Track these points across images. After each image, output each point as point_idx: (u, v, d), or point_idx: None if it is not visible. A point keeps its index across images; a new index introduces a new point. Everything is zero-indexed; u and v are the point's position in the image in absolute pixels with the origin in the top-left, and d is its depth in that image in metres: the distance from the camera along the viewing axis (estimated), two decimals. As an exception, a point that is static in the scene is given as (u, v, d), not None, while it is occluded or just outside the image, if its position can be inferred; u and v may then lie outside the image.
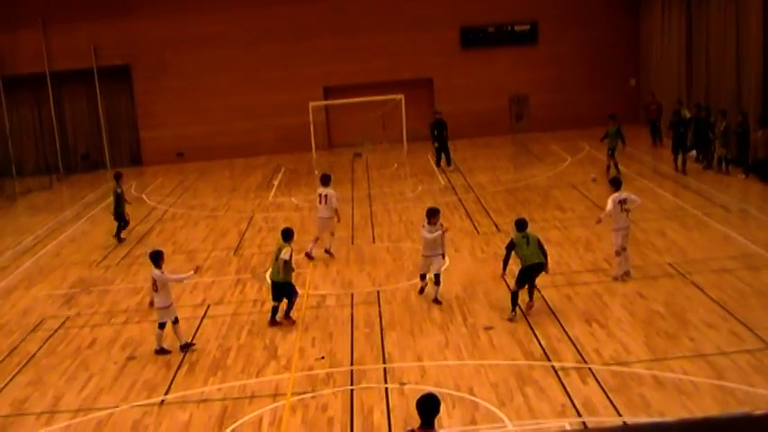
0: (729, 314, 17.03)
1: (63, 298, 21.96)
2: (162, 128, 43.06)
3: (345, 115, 41.82)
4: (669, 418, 12.92)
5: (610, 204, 19.72)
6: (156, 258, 17.60)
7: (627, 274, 19.86)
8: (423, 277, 19.71)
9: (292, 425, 13.93)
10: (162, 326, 17.51)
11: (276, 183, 35.80)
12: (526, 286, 18.16)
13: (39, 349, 18.38)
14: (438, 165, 36.14)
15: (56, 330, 19.47)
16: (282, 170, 38.73)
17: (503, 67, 42.81)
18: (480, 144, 41.17)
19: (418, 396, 9.44)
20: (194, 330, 18.63)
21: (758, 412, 12.10)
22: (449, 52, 42.82)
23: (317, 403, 14.64)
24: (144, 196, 35.07)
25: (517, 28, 42.86)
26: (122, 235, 27.69)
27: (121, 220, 27.71)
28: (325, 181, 23.74)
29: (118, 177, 28.20)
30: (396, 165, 37.35)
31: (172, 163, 42.57)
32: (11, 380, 16.84)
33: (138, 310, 20.45)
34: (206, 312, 19.84)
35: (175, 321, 17.58)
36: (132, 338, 18.58)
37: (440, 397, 9.34)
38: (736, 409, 13.30)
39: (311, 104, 40.41)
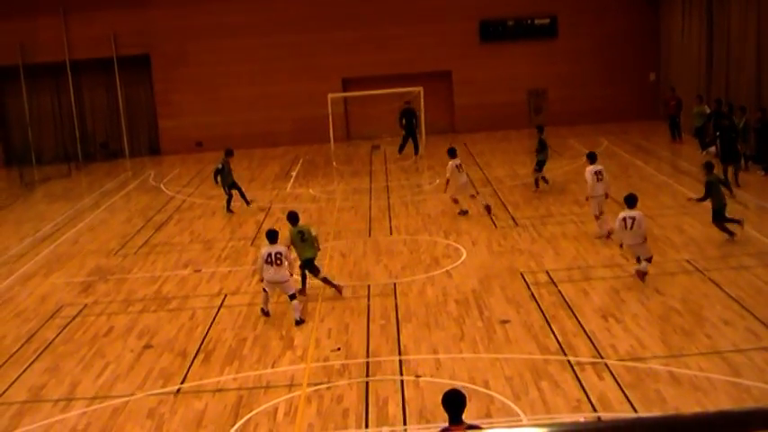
0: (747, 311, 16.96)
1: (81, 286, 22.07)
2: (180, 117, 43.20)
3: (364, 107, 41.81)
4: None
5: (589, 177, 22.73)
6: (274, 236, 18.55)
7: (611, 231, 21.65)
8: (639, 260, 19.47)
9: (307, 415, 13.96)
10: (293, 296, 18.22)
11: (294, 174, 35.85)
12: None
13: (56, 336, 18.48)
14: (400, 152, 37.53)
15: (73, 318, 19.58)
16: (300, 161, 38.78)
17: (522, 60, 42.72)
18: (498, 137, 41.11)
19: (444, 392, 9.43)
20: (211, 320, 18.71)
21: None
22: (468, 45, 42.77)
23: (333, 394, 14.67)
24: (162, 186, 35.19)
25: (536, 21, 42.79)
26: (231, 207, 29.11)
27: (232, 190, 29.05)
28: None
29: (229, 154, 29.30)
30: (414, 157, 37.33)
31: (190, 152, 42.66)
32: (28, 366, 16.94)
33: (155, 298, 20.53)
34: (223, 302, 19.90)
35: (293, 296, 18.31)
36: (149, 327, 18.65)
37: (465, 392, 9.37)
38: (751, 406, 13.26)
39: (330, 96, 40.42)
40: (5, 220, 31.13)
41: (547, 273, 20.22)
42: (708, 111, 32.57)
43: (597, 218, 22.87)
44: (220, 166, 28.98)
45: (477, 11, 42.47)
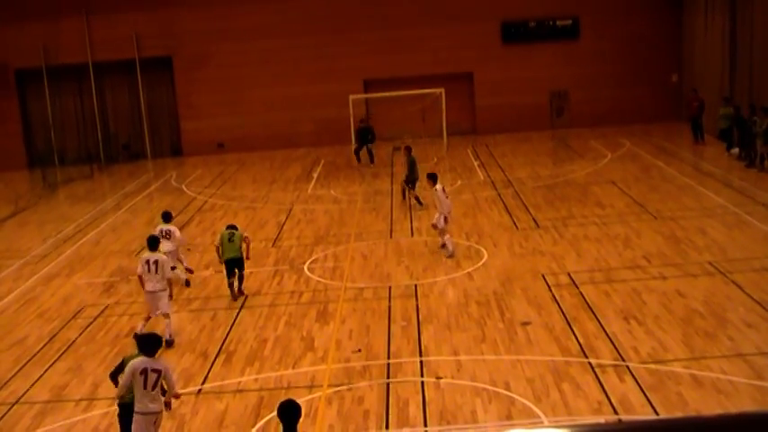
0: (770, 314, 16.88)
1: (103, 286, 22.17)
2: (202, 119, 43.29)
3: (385, 108, 41.75)
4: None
5: (442, 195, 22.36)
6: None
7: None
8: None
9: (328, 417, 13.97)
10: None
11: (315, 175, 35.88)
12: None
13: (78, 336, 18.57)
14: (371, 161, 37.44)
15: (95, 318, 19.67)
16: (322, 162, 38.81)
17: (543, 61, 42.60)
18: (520, 139, 41.00)
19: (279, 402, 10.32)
20: (232, 321, 18.75)
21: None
22: (490, 46, 42.68)
23: (353, 396, 14.67)
24: (184, 187, 35.28)
25: (558, 23, 42.65)
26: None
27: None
28: None
29: (409, 150, 29.08)
30: (435, 159, 37.29)
31: (212, 154, 42.78)
32: (50, 366, 17.03)
33: (176, 299, 20.56)
34: (244, 303, 19.94)
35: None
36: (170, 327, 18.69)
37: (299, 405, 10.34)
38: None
39: (351, 97, 40.39)
40: (28, 220, 31.30)
41: (568, 274, 20.15)
42: (734, 113, 32.34)
43: (444, 234, 22.57)
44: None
45: (499, 12, 42.39)
